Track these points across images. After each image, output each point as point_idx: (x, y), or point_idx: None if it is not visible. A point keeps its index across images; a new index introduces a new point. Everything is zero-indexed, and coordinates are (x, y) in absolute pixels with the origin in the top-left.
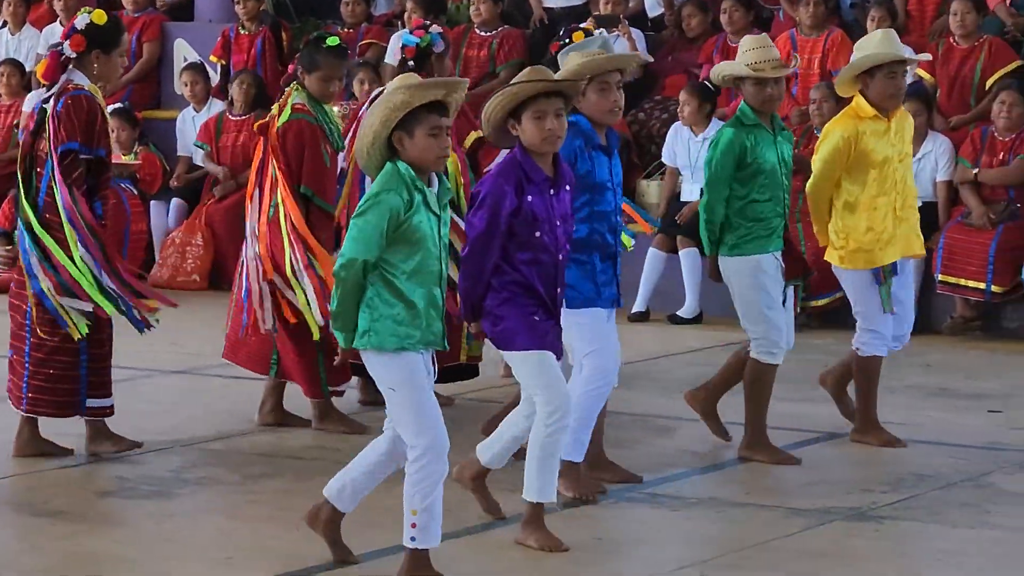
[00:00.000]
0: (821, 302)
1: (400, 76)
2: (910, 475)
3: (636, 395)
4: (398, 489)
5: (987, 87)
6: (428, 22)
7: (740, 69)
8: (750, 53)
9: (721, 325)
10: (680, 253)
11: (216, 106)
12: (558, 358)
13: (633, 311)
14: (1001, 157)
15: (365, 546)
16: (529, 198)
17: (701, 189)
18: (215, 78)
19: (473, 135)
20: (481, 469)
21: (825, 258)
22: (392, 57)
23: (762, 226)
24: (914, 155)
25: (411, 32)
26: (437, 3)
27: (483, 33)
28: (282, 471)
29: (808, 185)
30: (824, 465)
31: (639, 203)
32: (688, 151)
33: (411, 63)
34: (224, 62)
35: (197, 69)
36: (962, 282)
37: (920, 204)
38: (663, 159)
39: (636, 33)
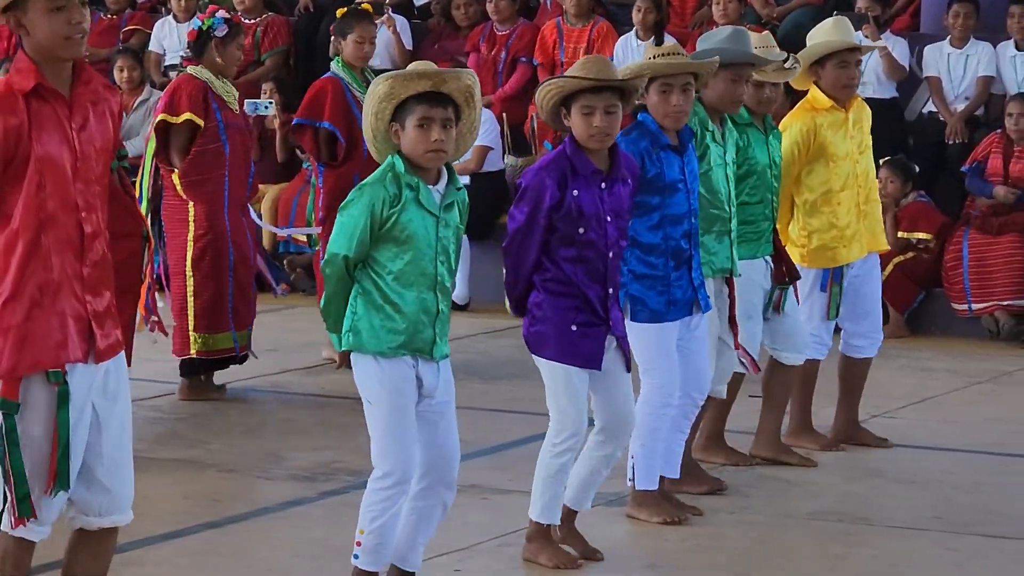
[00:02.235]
0: None
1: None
2: None
3: None
4: (161, 478)
5: None
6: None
7: None
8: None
9: (488, 312)
10: None
11: None
12: (598, 366)
13: None
14: None
15: (129, 535)
16: (575, 192)
17: None
18: None
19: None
20: (567, 512)
21: None
22: (157, 44)
23: (751, 228)
24: None
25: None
26: None
27: (247, 20)
28: None
29: None
30: None
31: None
32: None
33: (189, 48)
34: None
35: None
36: None
37: None
38: None
39: (401, 21)
